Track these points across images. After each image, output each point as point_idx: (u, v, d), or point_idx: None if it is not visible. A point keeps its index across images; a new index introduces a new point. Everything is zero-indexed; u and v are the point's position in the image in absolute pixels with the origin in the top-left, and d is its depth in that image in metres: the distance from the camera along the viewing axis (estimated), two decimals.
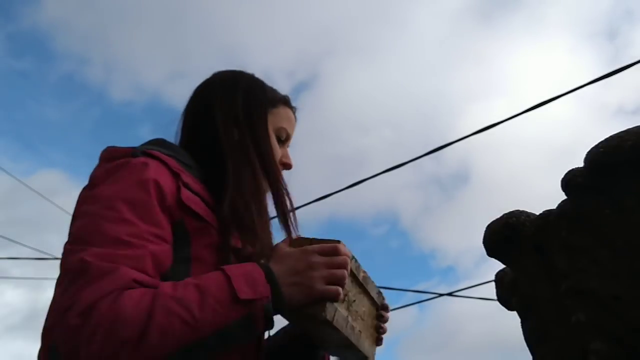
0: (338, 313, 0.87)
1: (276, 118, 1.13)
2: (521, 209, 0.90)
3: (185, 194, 0.90)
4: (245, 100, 1.09)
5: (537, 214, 0.86)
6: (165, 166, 0.90)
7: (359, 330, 0.96)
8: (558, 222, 0.78)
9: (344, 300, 0.92)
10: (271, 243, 0.98)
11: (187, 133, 1.10)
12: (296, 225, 1.04)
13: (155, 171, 0.88)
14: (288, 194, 1.07)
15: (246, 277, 0.79)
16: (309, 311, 0.84)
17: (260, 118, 1.09)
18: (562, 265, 0.76)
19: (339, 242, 0.89)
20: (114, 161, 0.90)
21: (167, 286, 0.76)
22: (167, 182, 0.88)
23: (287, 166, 1.14)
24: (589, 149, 0.73)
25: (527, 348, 0.89)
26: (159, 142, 1.01)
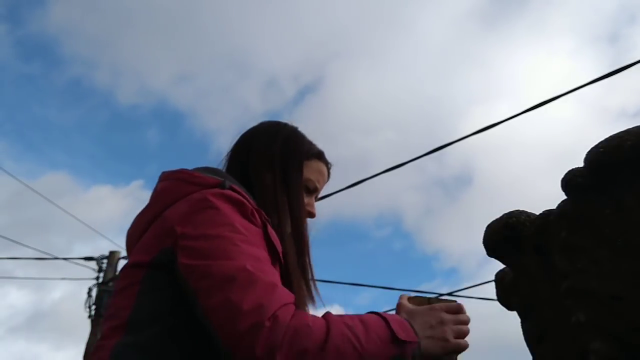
0: None
1: (308, 170, 1.22)
2: (521, 209, 0.90)
3: (270, 230, 0.99)
4: (283, 149, 1.19)
5: (537, 214, 0.86)
6: (249, 203, 0.99)
7: None
8: (558, 222, 0.78)
9: None
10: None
11: (232, 172, 1.18)
12: (312, 272, 1.16)
13: (248, 205, 0.97)
14: (307, 242, 1.17)
15: (399, 324, 0.89)
16: None
17: (294, 167, 1.19)
18: (562, 265, 0.76)
19: (459, 303, 1.00)
20: (210, 189, 0.97)
21: (333, 314, 0.88)
22: (257, 218, 0.98)
23: (311, 215, 1.23)
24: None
25: (527, 348, 0.89)
26: (223, 174, 1.10)
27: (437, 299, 1.01)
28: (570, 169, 0.75)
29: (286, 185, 1.15)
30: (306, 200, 1.21)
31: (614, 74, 3.33)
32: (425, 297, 1.02)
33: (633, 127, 0.69)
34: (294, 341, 0.79)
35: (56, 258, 7.48)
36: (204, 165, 1.14)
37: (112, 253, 7.53)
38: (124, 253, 7.60)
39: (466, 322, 0.96)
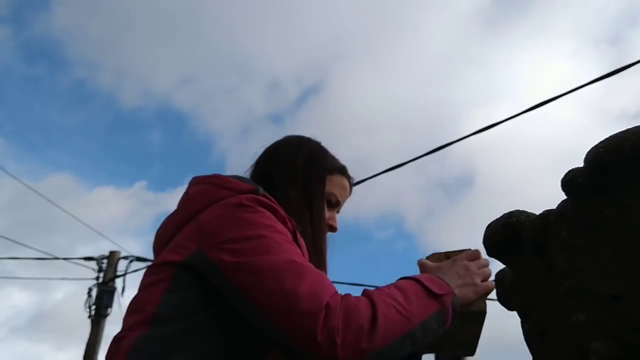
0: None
1: (330, 184, 1.24)
2: (521, 209, 0.90)
3: (300, 237, 1.03)
4: (306, 163, 1.21)
5: (537, 214, 0.86)
6: (280, 210, 1.01)
7: None
8: (558, 222, 0.78)
9: None
10: None
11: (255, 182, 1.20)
12: None
13: (280, 212, 1.00)
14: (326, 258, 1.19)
15: (431, 280, 0.94)
16: (474, 308, 1.00)
17: (316, 181, 1.21)
18: (562, 265, 0.76)
19: (476, 249, 1.05)
20: (243, 194, 1.00)
21: (370, 289, 0.92)
22: (287, 224, 1.00)
23: (332, 229, 1.26)
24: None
25: (527, 348, 0.89)
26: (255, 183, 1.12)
27: (453, 251, 1.07)
28: (570, 169, 0.75)
29: (309, 199, 1.17)
30: (328, 214, 1.23)
31: (613, 74, 3.33)
32: (441, 253, 1.08)
33: (633, 127, 0.69)
34: (348, 322, 0.83)
35: (56, 258, 7.49)
36: (234, 173, 1.16)
37: (112, 253, 7.53)
38: (124, 253, 7.61)
39: (487, 265, 1.03)
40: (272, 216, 0.97)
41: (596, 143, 0.72)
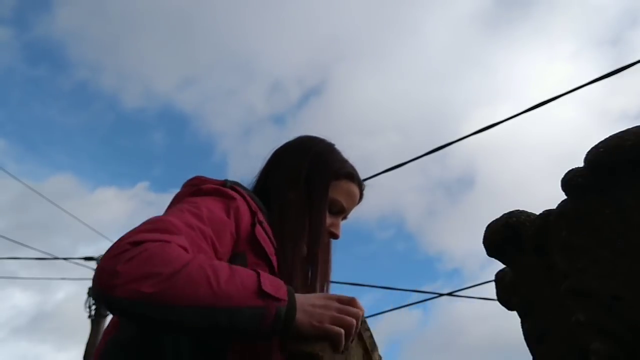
0: None
1: (335, 190, 1.17)
2: (521, 209, 0.90)
3: (259, 230, 0.98)
4: (311, 166, 1.16)
5: (537, 214, 0.86)
6: (246, 202, 0.99)
7: None
8: (558, 222, 0.77)
9: (343, 354, 0.91)
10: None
11: (258, 183, 1.19)
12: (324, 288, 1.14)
13: (240, 203, 0.97)
14: (326, 263, 1.15)
15: (272, 281, 0.85)
16: (307, 349, 0.85)
17: (319, 186, 1.15)
18: (562, 265, 0.76)
19: (354, 297, 0.93)
20: (208, 184, 0.99)
21: (207, 256, 0.85)
22: (245, 215, 0.97)
23: (333, 235, 1.19)
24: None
25: (527, 348, 0.89)
26: (238, 184, 1.10)
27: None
28: (570, 169, 0.75)
29: (309, 204, 1.12)
30: (330, 220, 1.17)
31: (613, 74, 3.33)
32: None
33: (633, 127, 0.69)
34: (147, 261, 0.76)
35: (56, 258, 7.48)
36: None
37: None
38: None
39: (353, 314, 0.90)
40: (214, 200, 0.94)
41: (596, 143, 0.72)
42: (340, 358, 0.90)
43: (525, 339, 0.89)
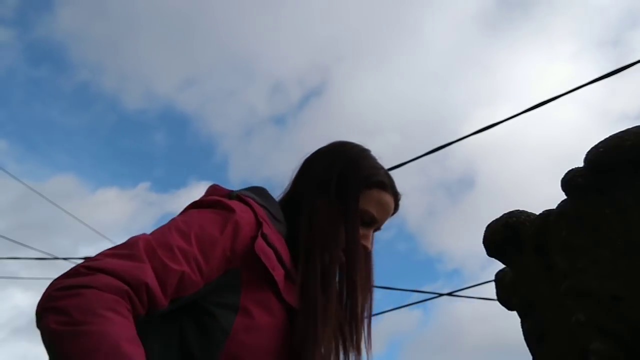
0: None
1: (365, 199, 1.09)
2: (521, 209, 0.90)
3: (260, 244, 0.92)
4: (342, 173, 1.09)
5: (537, 214, 0.86)
6: (253, 213, 0.94)
7: None
8: (558, 222, 0.78)
9: None
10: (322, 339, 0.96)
11: (288, 192, 1.13)
12: (361, 319, 1.03)
13: (240, 216, 0.92)
14: (368, 278, 1.07)
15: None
16: None
17: (349, 195, 1.08)
18: (562, 265, 0.76)
19: None
20: (213, 196, 0.96)
21: (135, 341, 0.74)
22: (246, 229, 0.92)
23: (364, 249, 1.10)
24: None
25: (527, 348, 0.89)
26: (258, 191, 1.06)
27: None
28: (570, 169, 0.75)
29: (339, 214, 1.05)
30: (361, 232, 1.08)
31: (613, 74, 3.33)
32: None
33: (633, 127, 0.69)
34: (74, 297, 0.72)
35: (56, 258, 7.47)
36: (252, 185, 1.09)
37: None
38: None
39: None
40: (212, 216, 0.91)
41: (596, 143, 0.72)
42: None
43: (525, 338, 0.89)
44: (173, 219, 0.92)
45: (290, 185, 1.15)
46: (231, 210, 0.93)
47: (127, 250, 0.81)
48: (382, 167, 1.14)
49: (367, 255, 1.10)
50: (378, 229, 1.15)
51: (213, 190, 1.02)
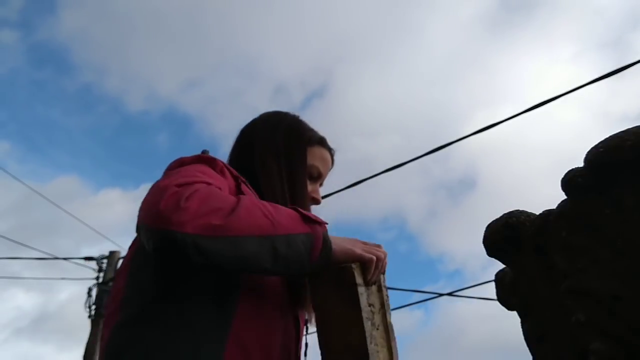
0: (362, 297, 0.95)
1: (311, 157, 1.22)
2: (521, 209, 0.90)
3: (245, 188, 1.01)
4: (286, 138, 1.20)
5: (537, 214, 0.86)
6: (226, 168, 1.01)
7: (375, 346, 0.96)
8: (558, 222, 0.77)
9: (369, 307, 0.98)
10: None
11: (234, 162, 1.20)
12: None
13: (223, 165, 1.00)
14: None
15: (307, 212, 0.93)
16: (347, 276, 0.93)
17: (297, 155, 1.19)
18: (562, 265, 0.76)
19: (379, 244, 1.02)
20: (188, 157, 1.01)
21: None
22: (230, 177, 1.00)
23: (315, 201, 1.24)
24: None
25: (527, 348, 0.89)
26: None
27: None
28: (570, 169, 0.75)
29: (291, 172, 1.15)
30: (311, 187, 1.21)
31: (613, 74, 3.33)
32: None
33: (633, 127, 0.69)
34: (206, 198, 0.79)
35: (56, 258, 7.48)
36: None
37: (112, 253, 7.53)
38: (124, 253, 7.61)
39: (381, 251, 0.99)
40: (205, 165, 0.96)
41: (596, 143, 0.72)
42: (364, 291, 0.96)
43: (525, 339, 0.88)
44: (170, 173, 0.92)
45: (231, 158, 1.22)
46: (213, 160, 0.99)
47: (184, 173, 0.87)
48: (314, 129, 1.27)
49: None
50: (321, 184, 1.27)
51: (182, 158, 1.05)
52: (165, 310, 0.87)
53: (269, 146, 1.17)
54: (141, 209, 0.81)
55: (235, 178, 1.02)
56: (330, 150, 1.28)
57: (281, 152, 1.17)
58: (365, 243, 0.99)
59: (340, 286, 0.94)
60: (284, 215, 0.86)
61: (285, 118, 1.26)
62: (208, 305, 0.89)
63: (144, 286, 0.89)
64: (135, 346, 0.83)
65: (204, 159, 0.99)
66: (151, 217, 0.77)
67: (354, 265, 0.95)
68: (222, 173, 0.98)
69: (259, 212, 0.83)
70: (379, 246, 1.01)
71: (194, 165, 0.96)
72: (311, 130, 1.26)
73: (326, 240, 0.90)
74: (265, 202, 0.88)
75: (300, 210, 0.91)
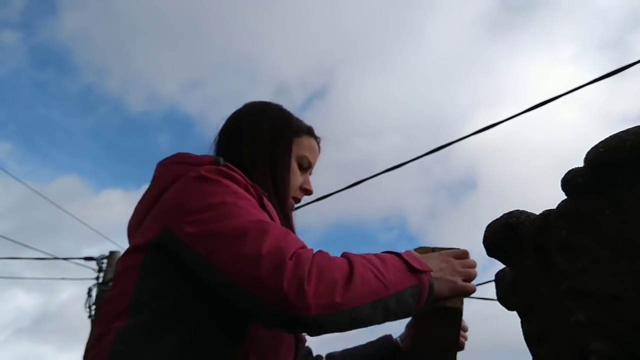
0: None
1: (299, 147, 1.21)
2: (521, 209, 0.90)
3: (267, 201, 1.00)
4: (271, 128, 1.18)
5: (537, 214, 0.86)
6: (249, 184, 1.00)
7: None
8: (558, 222, 0.77)
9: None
10: None
11: (223, 155, 1.17)
12: None
13: (242, 178, 0.98)
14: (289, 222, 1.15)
15: (412, 257, 0.93)
16: (449, 304, 0.97)
17: (283, 145, 1.17)
18: (562, 265, 0.76)
19: (465, 249, 1.04)
20: (205, 165, 0.98)
21: (344, 253, 0.89)
22: (254, 194, 0.98)
23: (308, 192, 1.24)
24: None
25: (527, 348, 0.88)
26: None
27: (442, 247, 1.05)
28: (570, 169, 0.75)
29: (276, 163, 1.14)
30: (301, 178, 1.21)
31: (613, 74, 3.33)
32: (429, 247, 1.06)
33: (633, 127, 0.69)
34: (322, 273, 0.80)
35: (56, 258, 7.49)
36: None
37: (112, 253, 7.53)
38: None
39: (473, 265, 1.01)
40: (233, 184, 0.95)
41: (596, 143, 0.72)
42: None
43: (525, 339, 0.88)
44: (212, 200, 0.90)
45: (219, 147, 1.20)
46: (237, 176, 0.97)
47: (278, 235, 0.85)
48: (300, 118, 1.26)
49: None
50: (311, 173, 1.26)
51: (184, 157, 1.03)
52: (182, 319, 0.87)
53: (254, 138, 1.16)
54: (249, 279, 0.79)
55: (259, 196, 1.00)
56: (317, 138, 1.27)
57: (267, 143, 1.15)
58: (461, 262, 1.00)
59: (445, 320, 1.00)
60: (392, 270, 0.88)
61: (270, 108, 1.24)
62: (225, 319, 0.90)
63: (159, 293, 0.89)
64: (149, 353, 0.83)
65: (228, 175, 0.96)
66: (272, 297, 0.78)
67: (460, 306, 0.99)
68: (247, 190, 0.97)
69: (371, 275, 0.84)
70: (467, 254, 1.03)
71: (222, 184, 0.93)
72: (297, 120, 1.25)
73: (432, 287, 0.92)
74: (372, 258, 0.88)
75: (404, 257, 0.91)
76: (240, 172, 1.00)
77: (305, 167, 1.22)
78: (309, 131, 1.25)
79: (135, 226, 1.03)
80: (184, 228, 0.87)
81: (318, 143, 1.28)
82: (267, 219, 0.91)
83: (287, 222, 1.11)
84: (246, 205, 0.91)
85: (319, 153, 1.28)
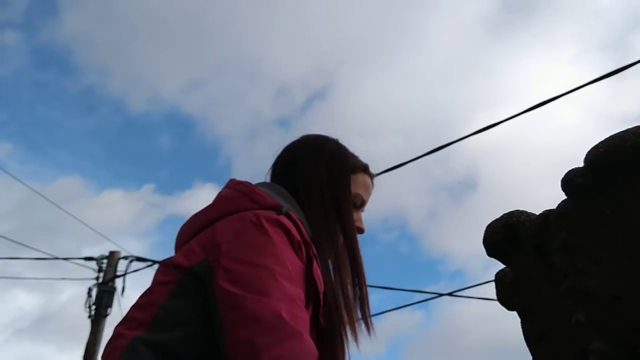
0: None
1: (355, 184, 1.18)
2: (521, 209, 0.90)
3: (316, 267, 0.97)
4: (329, 165, 1.16)
5: (537, 214, 0.86)
6: (299, 232, 0.97)
7: None
8: (558, 222, 0.77)
9: None
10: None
11: (280, 184, 1.16)
12: (369, 304, 1.11)
13: (297, 236, 0.96)
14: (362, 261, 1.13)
15: None
16: None
17: (342, 184, 1.15)
18: (562, 265, 0.76)
19: None
20: (264, 212, 0.96)
21: None
22: (303, 251, 0.96)
23: (360, 231, 1.19)
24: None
25: (527, 348, 0.88)
26: (279, 191, 1.09)
27: None
28: (570, 169, 0.75)
29: (336, 202, 1.12)
30: (355, 216, 1.18)
31: (613, 74, 3.33)
32: None
33: (633, 127, 0.69)
34: None
35: (56, 258, 7.48)
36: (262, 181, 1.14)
37: (112, 253, 7.52)
38: (124, 253, 7.58)
39: None
40: (285, 242, 0.93)
41: (596, 143, 0.72)
42: None
43: (525, 339, 0.88)
44: (260, 259, 0.89)
45: (278, 178, 1.18)
46: (293, 233, 0.95)
47: (283, 331, 0.83)
48: (355, 154, 1.24)
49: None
50: (363, 210, 1.23)
51: (251, 191, 1.02)
52: (194, 355, 0.88)
53: (312, 175, 1.14)
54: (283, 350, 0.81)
55: (310, 258, 0.98)
56: (371, 176, 1.25)
57: (325, 182, 1.13)
58: None
59: None
60: None
61: (328, 143, 1.22)
62: None
63: (183, 319, 0.89)
64: None
65: (287, 230, 0.95)
66: None
67: None
68: (299, 249, 0.95)
69: None
70: None
71: (275, 241, 0.92)
72: (354, 157, 1.23)
73: None
74: None
75: None
76: (300, 224, 0.98)
77: (359, 205, 1.20)
78: (365, 168, 1.23)
79: (184, 239, 1.04)
80: (219, 274, 0.88)
81: (372, 180, 1.25)
82: (296, 300, 0.88)
83: (357, 264, 1.10)
84: (284, 275, 0.89)
85: (372, 190, 1.25)
